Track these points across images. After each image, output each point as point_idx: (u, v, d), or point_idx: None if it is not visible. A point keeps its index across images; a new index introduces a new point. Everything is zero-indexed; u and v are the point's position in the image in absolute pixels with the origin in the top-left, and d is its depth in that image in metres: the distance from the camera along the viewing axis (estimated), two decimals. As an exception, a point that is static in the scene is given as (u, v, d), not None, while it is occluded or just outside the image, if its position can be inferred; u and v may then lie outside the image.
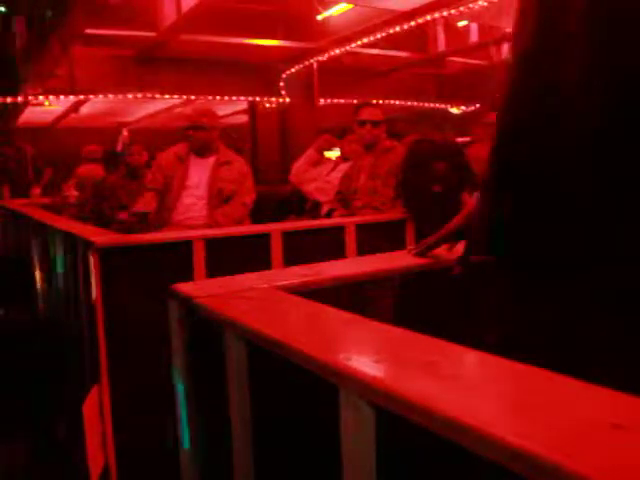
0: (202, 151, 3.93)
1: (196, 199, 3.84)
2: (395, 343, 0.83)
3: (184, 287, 1.28)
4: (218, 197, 3.84)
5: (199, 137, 3.88)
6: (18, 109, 9.64)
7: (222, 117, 11.82)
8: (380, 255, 1.68)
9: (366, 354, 0.79)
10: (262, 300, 1.15)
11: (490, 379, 0.68)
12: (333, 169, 4.71)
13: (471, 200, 1.63)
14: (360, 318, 0.94)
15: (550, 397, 0.60)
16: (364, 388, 0.69)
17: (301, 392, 0.87)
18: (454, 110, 11.83)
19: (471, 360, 0.74)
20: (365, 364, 0.74)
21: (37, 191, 7.60)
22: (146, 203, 3.97)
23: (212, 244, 2.64)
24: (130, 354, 2.45)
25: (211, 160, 3.93)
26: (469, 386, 0.66)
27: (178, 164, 3.95)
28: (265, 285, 1.27)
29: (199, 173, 3.91)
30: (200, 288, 1.27)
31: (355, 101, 8.92)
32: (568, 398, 0.60)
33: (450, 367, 0.72)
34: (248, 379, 0.99)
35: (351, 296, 1.41)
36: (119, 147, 12.16)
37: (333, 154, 5.20)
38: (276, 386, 0.95)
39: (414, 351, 0.78)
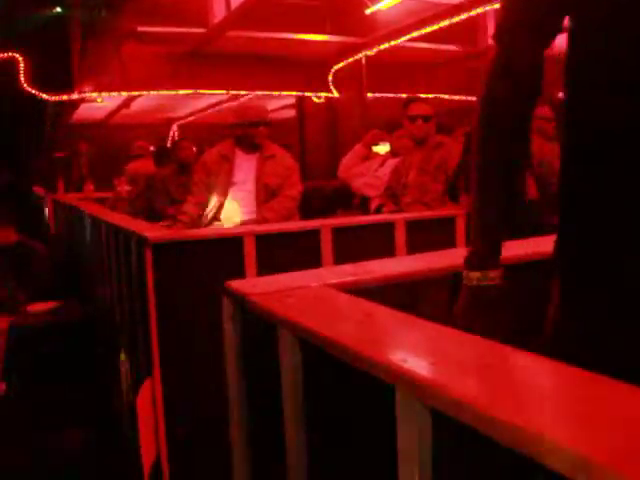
0: (249, 147, 3.95)
1: (245, 194, 3.87)
2: (450, 345, 0.82)
3: (237, 284, 1.29)
4: (265, 192, 3.85)
5: (247, 133, 3.90)
6: (72, 106, 9.88)
7: (270, 112, 11.89)
8: (432, 253, 1.67)
9: (422, 355, 0.79)
10: (315, 298, 1.16)
11: (549, 384, 0.68)
12: (382, 164, 4.69)
13: None
14: (414, 318, 0.94)
15: (614, 406, 0.59)
16: (421, 390, 0.70)
17: (356, 392, 0.88)
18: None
19: (528, 364, 0.73)
20: (421, 366, 0.74)
21: (91, 186, 7.78)
22: (195, 204, 4.01)
23: (262, 240, 2.66)
24: (182, 348, 2.50)
25: (256, 155, 3.95)
26: (525, 390, 0.66)
27: (223, 162, 3.98)
28: (317, 283, 1.28)
29: (245, 169, 3.94)
30: (253, 285, 1.29)
31: (404, 95, 8.86)
32: (632, 407, 0.59)
33: (506, 370, 0.71)
34: (302, 378, 1.00)
35: (403, 295, 1.40)
36: (169, 142, 12.39)
37: (382, 149, 5.18)
38: (330, 385, 0.95)
39: (470, 353, 0.77)
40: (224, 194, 3.88)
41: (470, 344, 0.82)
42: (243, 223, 3.77)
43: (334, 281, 1.30)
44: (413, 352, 0.80)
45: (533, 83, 1.16)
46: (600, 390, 0.63)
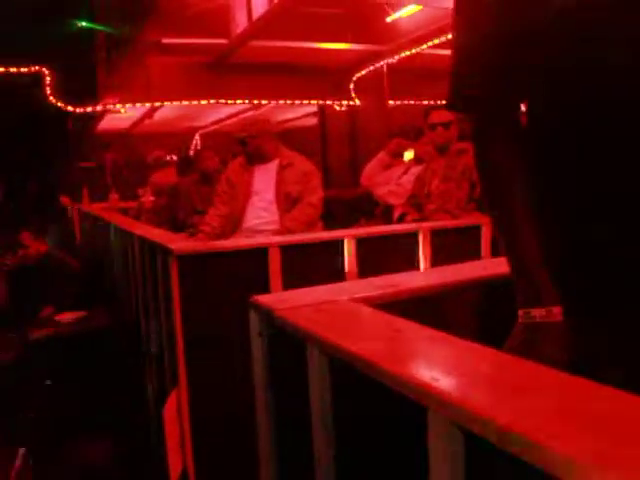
0: (259, 158, 3.98)
1: (267, 204, 3.89)
2: (483, 363, 0.81)
3: (264, 299, 1.29)
4: (286, 201, 3.87)
5: (252, 145, 3.94)
6: (97, 117, 10.00)
7: (292, 120, 11.93)
8: (458, 265, 1.66)
9: (454, 374, 0.78)
10: (343, 314, 1.15)
11: (589, 408, 0.66)
12: (405, 172, 4.68)
13: None
14: (444, 335, 0.93)
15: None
16: (453, 411, 0.69)
17: (385, 410, 0.87)
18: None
19: (564, 385, 0.72)
20: (454, 385, 0.73)
21: (115, 196, 7.86)
22: (218, 216, 4.05)
23: (287, 250, 2.67)
24: (208, 358, 2.50)
25: (274, 165, 3.98)
26: (562, 414, 0.64)
27: (243, 172, 4.02)
28: (345, 297, 1.27)
29: (264, 178, 3.96)
30: (280, 300, 1.29)
31: (426, 102, 8.83)
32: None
33: (540, 392, 0.70)
34: (331, 395, 0.99)
35: (430, 309, 1.39)
36: (192, 151, 12.49)
37: (408, 155, 5.17)
38: (359, 403, 0.95)
39: (504, 373, 0.76)
40: (245, 203, 3.91)
41: (504, 363, 0.81)
42: (265, 232, 3.79)
43: (361, 295, 1.30)
44: (445, 371, 0.79)
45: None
46: None
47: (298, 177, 3.92)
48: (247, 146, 3.98)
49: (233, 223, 3.95)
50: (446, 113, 3.98)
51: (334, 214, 5.49)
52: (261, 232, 3.81)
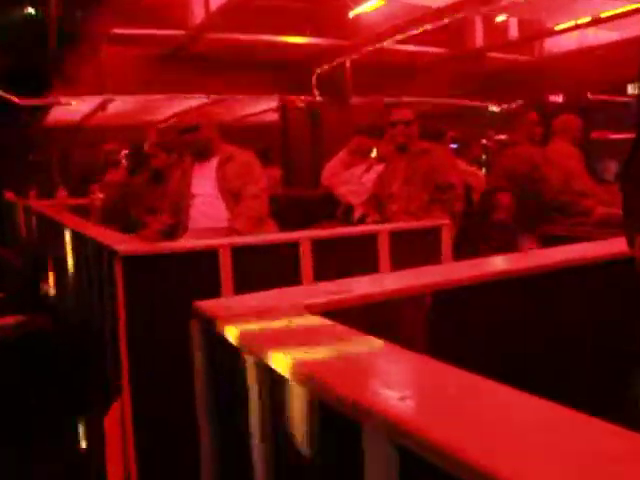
0: (202, 154, 3.94)
1: (212, 201, 3.85)
2: (426, 376, 0.81)
3: (208, 306, 1.27)
4: (232, 198, 3.83)
5: (196, 138, 3.90)
6: (46, 109, 9.82)
7: (252, 115, 11.89)
8: (413, 270, 1.66)
9: (394, 388, 0.77)
10: (288, 323, 1.14)
11: (529, 423, 0.66)
12: (367, 170, 4.69)
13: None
14: (391, 347, 0.92)
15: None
16: (388, 427, 0.68)
17: (326, 426, 0.86)
18: (494, 108, 11.70)
19: (508, 400, 0.71)
20: (391, 401, 0.72)
21: (64, 192, 7.72)
22: (170, 214, 4.03)
23: (239, 253, 2.64)
24: (154, 366, 2.46)
25: (213, 162, 3.94)
26: (500, 431, 0.64)
27: (183, 176, 4.00)
28: (292, 304, 1.26)
29: (204, 179, 3.92)
30: (224, 307, 1.27)
31: (389, 99, 8.89)
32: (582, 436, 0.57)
33: (483, 408, 0.70)
34: (270, 408, 0.98)
35: (382, 316, 1.39)
36: (147, 146, 12.35)
37: (374, 154, 5.19)
38: (300, 418, 0.93)
39: (445, 387, 0.76)
40: (188, 206, 3.88)
41: (446, 376, 0.80)
42: (216, 231, 3.74)
43: (310, 301, 1.28)
44: (385, 384, 0.78)
45: None
46: (579, 430, 0.62)
47: (238, 170, 3.88)
48: (185, 140, 3.93)
49: (182, 225, 3.92)
50: (407, 111, 4.00)
51: (294, 216, 5.47)
52: (211, 231, 3.77)
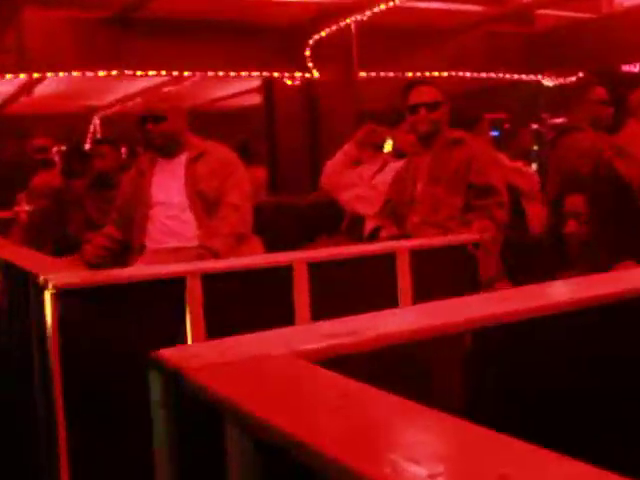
0: (168, 148, 3.96)
1: (178, 211, 3.86)
2: (464, 447, 0.81)
3: (171, 354, 1.27)
4: (202, 204, 3.84)
5: (160, 130, 3.92)
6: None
7: (226, 99, 11.95)
8: (443, 302, 1.66)
9: (422, 463, 0.77)
10: (277, 375, 1.14)
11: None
12: (381, 169, 4.72)
13: None
14: (415, 406, 0.93)
15: None
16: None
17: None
18: (547, 82, 11.75)
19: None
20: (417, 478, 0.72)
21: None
22: (116, 231, 4.08)
23: (212, 282, 2.65)
24: (99, 431, 2.47)
25: (182, 159, 3.96)
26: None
27: (138, 178, 4.02)
28: (283, 351, 1.26)
29: (167, 183, 3.93)
30: (193, 355, 1.27)
31: (410, 74, 8.94)
32: None
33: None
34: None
35: (404, 366, 1.39)
36: (88, 141, 12.39)
37: (388, 147, 5.21)
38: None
39: (492, 462, 0.76)
40: (145, 219, 3.88)
41: (498, 447, 0.80)
42: (181, 251, 3.74)
43: (306, 347, 1.29)
44: (407, 457, 0.78)
45: None
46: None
47: (213, 169, 3.90)
48: (150, 132, 3.94)
49: (134, 246, 3.93)
50: (432, 90, 4.03)
51: (284, 230, 5.48)
52: (177, 252, 3.77)
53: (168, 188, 3.92)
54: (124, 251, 4.07)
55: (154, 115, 3.95)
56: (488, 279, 3.44)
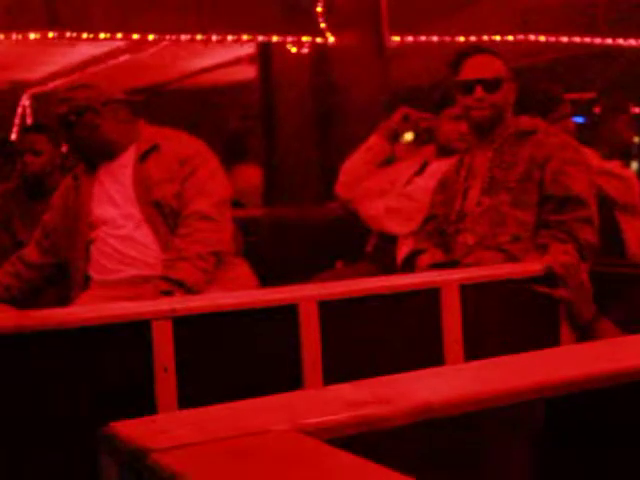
0: (98, 152, 3.97)
1: (129, 230, 3.85)
2: None
3: (131, 429, 1.29)
4: (163, 217, 3.82)
5: (87, 122, 3.92)
6: None
7: (208, 70, 12.00)
8: (511, 357, 1.67)
9: None
10: (278, 459, 1.15)
11: None
12: (419, 172, 4.73)
13: None
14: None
15: None
16: None
17: None
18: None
19: None
20: None
21: None
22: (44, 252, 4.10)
23: (185, 325, 2.66)
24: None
25: (127, 156, 3.95)
26: None
27: (71, 191, 4.03)
28: (286, 425, 1.27)
29: (113, 189, 3.92)
30: (162, 430, 1.28)
31: (462, 39, 8.95)
32: None
33: None
34: None
35: (452, 446, 1.40)
36: (14, 130, 12.44)
37: (408, 138, 5.24)
38: None
39: None
40: (87, 243, 3.89)
41: None
42: (135, 283, 3.75)
43: (317, 420, 1.30)
44: None
45: None
46: None
47: (169, 169, 3.87)
48: (72, 130, 3.94)
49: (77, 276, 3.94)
50: (492, 61, 4.02)
51: (286, 252, 5.50)
52: (135, 284, 3.78)
53: (113, 200, 3.90)
54: (48, 284, 4.09)
55: (71, 109, 3.95)
56: (585, 322, 3.43)
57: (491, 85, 3.94)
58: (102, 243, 3.87)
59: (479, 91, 3.93)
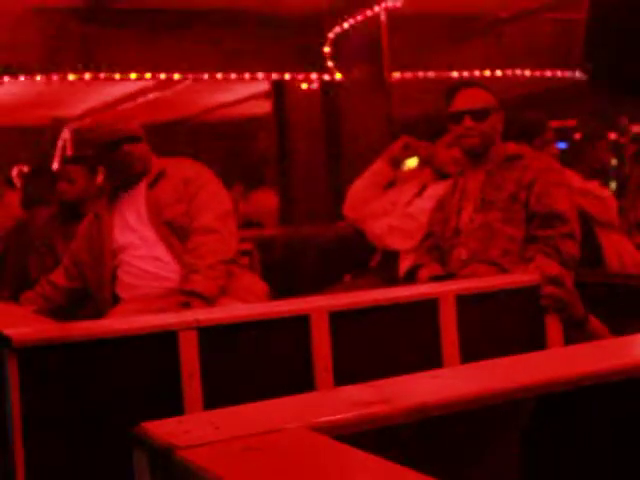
0: (132, 178, 3.99)
1: (148, 250, 3.87)
2: None
3: (160, 429, 1.28)
4: (175, 236, 3.84)
5: (139, 152, 3.95)
6: None
7: (226, 106, 12.01)
8: (502, 360, 1.67)
9: None
10: (293, 454, 1.15)
11: None
12: (419, 194, 4.72)
13: None
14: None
15: None
16: None
17: None
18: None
19: None
20: None
21: None
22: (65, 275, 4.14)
23: (209, 335, 2.66)
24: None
25: (141, 185, 3.97)
26: None
27: (94, 223, 4.06)
28: (298, 424, 1.27)
29: (130, 215, 3.95)
30: (188, 430, 1.28)
31: (455, 74, 8.95)
32: None
33: None
34: None
35: (449, 442, 1.39)
36: (56, 159, 12.45)
37: (411, 164, 5.23)
38: None
39: None
40: (113, 269, 3.92)
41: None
42: (164, 297, 3.75)
43: (327, 419, 1.29)
44: None
45: None
46: None
47: (176, 191, 3.91)
48: (129, 155, 3.96)
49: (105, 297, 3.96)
50: (480, 94, 4.03)
51: (299, 268, 5.49)
52: (160, 298, 3.78)
53: (131, 225, 3.93)
54: (71, 305, 4.11)
55: (131, 135, 3.99)
56: (580, 318, 3.42)
57: (479, 115, 3.95)
58: (127, 265, 3.90)
59: (468, 121, 3.94)
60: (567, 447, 1.53)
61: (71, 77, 8.81)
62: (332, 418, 1.30)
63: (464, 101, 3.99)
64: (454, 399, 1.43)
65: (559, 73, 10.59)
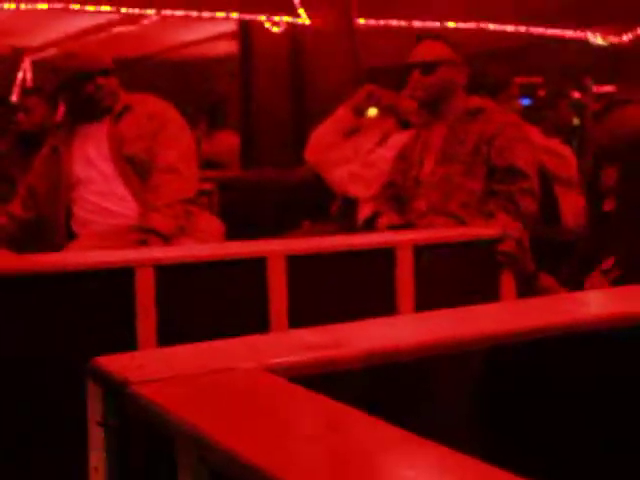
0: (92, 114, 3.96)
1: (105, 186, 3.85)
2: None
3: (114, 363, 1.29)
4: (135, 172, 3.81)
5: (99, 88, 3.90)
6: None
7: (192, 44, 11.89)
8: (456, 310, 1.68)
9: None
10: (243, 393, 1.16)
11: None
12: (381, 143, 4.72)
13: None
14: (411, 437, 0.94)
15: None
16: None
17: None
18: (598, 40, 11.72)
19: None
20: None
21: None
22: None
23: (166, 273, 2.66)
24: (24, 455, 2.48)
25: (106, 120, 3.94)
26: None
27: (52, 157, 4.02)
28: (252, 364, 1.27)
29: (90, 149, 3.91)
30: (141, 365, 1.28)
31: (418, 23, 8.90)
32: None
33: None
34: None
35: (399, 388, 1.41)
36: (15, 92, 12.28)
37: (372, 112, 5.22)
38: None
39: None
40: (69, 202, 3.89)
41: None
42: (120, 233, 3.73)
43: (279, 360, 1.30)
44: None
45: None
46: None
47: (140, 127, 3.88)
48: (102, 88, 3.92)
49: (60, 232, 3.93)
50: (436, 46, 4.03)
51: (259, 211, 5.48)
52: (116, 235, 3.76)
53: (90, 159, 3.89)
54: (26, 236, 4.09)
55: (105, 68, 3.95)
56: (528, 274, 3.45)
57: (426, 68, 3.96)
58: (83, 201, 3.87)
59: (416, 74, 3.97)
60: (518, 399, 1.55)
61: (40, 6, 8.70)
62: (285, 359, 1.31)
63: (416, 54, 4.02)
64: (405, 347, 1.44)
65: (525, 29, 10.58)
